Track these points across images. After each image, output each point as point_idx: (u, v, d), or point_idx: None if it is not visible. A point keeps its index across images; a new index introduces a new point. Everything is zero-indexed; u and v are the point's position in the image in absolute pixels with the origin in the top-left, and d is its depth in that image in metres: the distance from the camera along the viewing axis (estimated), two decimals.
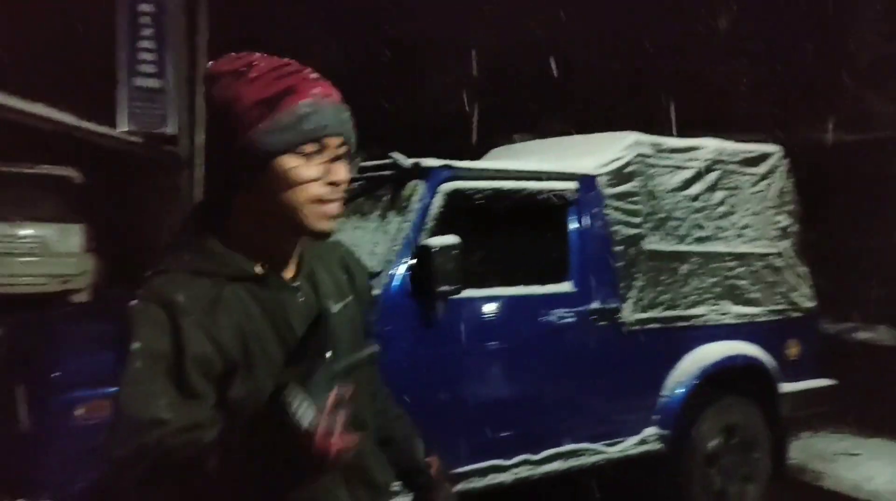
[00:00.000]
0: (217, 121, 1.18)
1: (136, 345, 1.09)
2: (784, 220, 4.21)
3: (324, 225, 1.19)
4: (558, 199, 3.39)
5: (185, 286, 1.14)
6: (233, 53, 1.23)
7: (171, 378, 1.09)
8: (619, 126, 3.84)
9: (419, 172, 3.12)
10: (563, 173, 3.44)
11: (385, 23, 13.63)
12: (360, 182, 3.53)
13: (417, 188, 3.07)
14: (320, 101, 1.17)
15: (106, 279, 10.15)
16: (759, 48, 10.26)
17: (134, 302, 1.13)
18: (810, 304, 4.28)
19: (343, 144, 1.20)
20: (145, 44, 10.08)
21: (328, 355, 1.16)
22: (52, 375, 2.39)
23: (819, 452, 5.23)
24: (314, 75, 1.22)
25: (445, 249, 2.82)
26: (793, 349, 4.20)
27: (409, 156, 3.17)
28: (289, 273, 1.26)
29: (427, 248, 2.85)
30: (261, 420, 0.95)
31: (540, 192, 3.34)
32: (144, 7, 10.01)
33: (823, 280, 4.49)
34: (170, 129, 10.35)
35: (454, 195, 3.10)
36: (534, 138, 5.08)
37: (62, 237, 9.39)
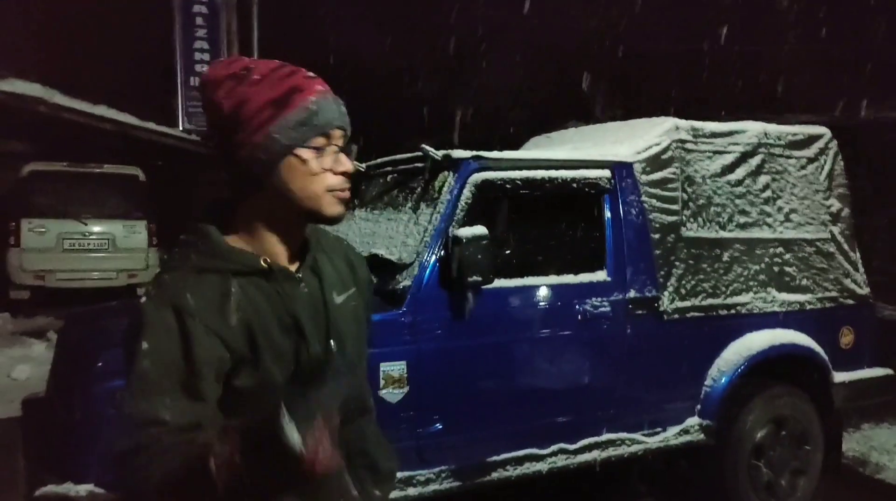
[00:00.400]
0: (223, 124, 1.22)
1: (144, 345, 1.14)
2: (835, 204, 4.07)
3: (338, 210, 1.27)
4: (592, 187, 3.36)
5: (193, 286, 1.18)
6: (223, 59, 1.30)
7: (176, 380, 1.14)
8: (675, 112, 3.76)
9: (449, 164, 3.14)
10: (597, 161, 3.40)
11: (437, 14, 13.66)
12: (393, 175, 3.58)
13: (447, 180, 3.09)
14: (324, 96, 1.24)
15: None
16: (823, 25, 9.90)
17: (143, 300, 1.18)
18: (864, 291, 4.13)
19: (344, 135, 1.27)
20: (199, 44, 10.38)
21: (332, 344, 1.26)
22: (97, 365, 2.51)
23: (881, 444, 5.04)
24: (310, 74, 1.27)
25: (474, 239, 2.84)
26: (846, 338, 4.07)
27: (466, 147, 3.21)
28: (292, 266, 1.31)
29: (457, 238, 2.87)
30: (254, 437, 0.99)
31: (573, 180, 3.31)
32: (198, 8, 10.30)
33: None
34: None
35: (484, 186, 3.10)
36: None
37: (129, 234, 9.78)
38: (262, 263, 1.24)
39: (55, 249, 9.34)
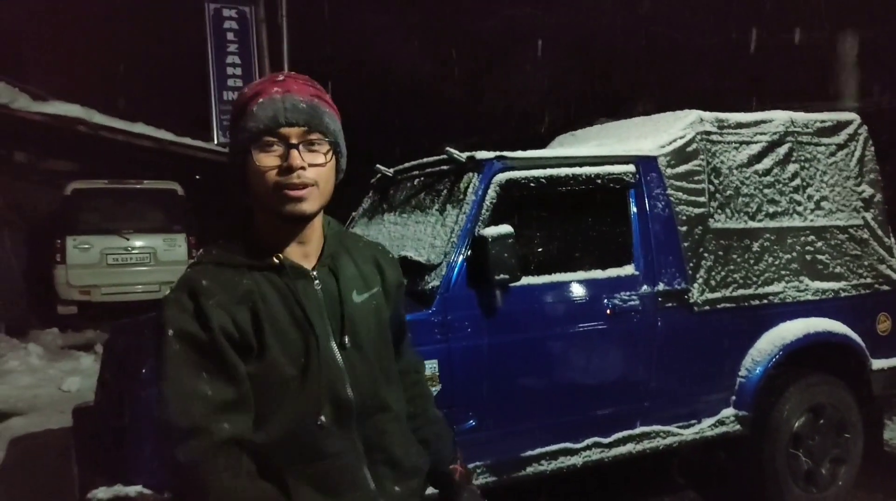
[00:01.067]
0: None
1: (170, 331, 1.22)
2: (867, 190, 4.02)
3: (290, 208, 1.28)
4: (616, 182, 3.38)
5: (210, 275, 1.27)
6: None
7: (205, 355, 1.22)
8: (706, 106, 3.76)
9: (474, 165, 3.20)
10: (621, 156, 3.43)
11: (466, 15, 13.72)
12: (419, 178, 3.65)
13: (472, 180, 3.15)
14: (277, 96, 1.28)
15: None
16: (859, 9, 9.72)
17: (167, 293, 1.27)
18: None
19: (308, 132, 1.29)
20: (231, 59, 10.60)
21: (346, 340, 1.32)
22: (142, 371, 2.62)
23: None
24: (283, 77, 1.33)
25: (500, 238, 2.89)
26: (884, 324, 4.02)
27: (497, 149, 3.26)
28: (309, 263, 1.37)
29: (482, 238, 2.93)
30: None
31: (597, 176, 3.34)
32: (229, 24, 10.52)
33: None
34: None
35: (509, 185, 3.15)
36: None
37: (169, 247, 10.03)
38: (273, 259, 1.32)
39: (99, 264, 9.61)
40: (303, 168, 1.27)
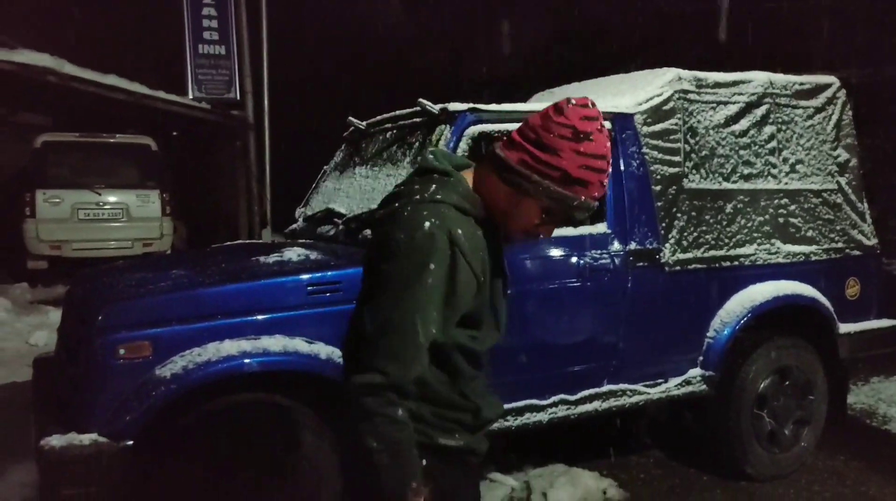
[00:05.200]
0: (542, 142, 1.45)
1: (432, 266, 1.39)
2: (842, 154, 4.01)
3: (512, 241, 1.61)
4: None
5: (460, 223, 1.45)
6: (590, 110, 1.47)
7: (443, 296, 1.42)
8: (695, 68, 3.70)
9: (446, 117, 3.13)
10: None
11: None
12: (392, 131, 3.57)
13: (444, 133, 3.08)
14: (591, 203, 1.51)
15: (185, 241, 10.62)
16: None
17: (430, 223, 1.41)
18: (872, 242, 4.09)
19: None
20: (207, 11, 10.33)
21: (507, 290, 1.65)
22: (98, 319, 2.55)
23: (889, 396, 5.06)
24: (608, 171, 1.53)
25: None
26: (852, 289, 4.04)
27: None
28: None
29: None
30: None
31: None
32: None
33: None
34: (235, 94, 10.63)
35: (481, 138, 3.09)
36: None
37: (142, 203, 9.87)
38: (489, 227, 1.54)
39: (70, 219, 9.44)
40: None
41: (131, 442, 2.45)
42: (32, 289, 9.23)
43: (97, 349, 2.51)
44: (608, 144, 1.46)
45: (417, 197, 1.47)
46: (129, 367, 2.50)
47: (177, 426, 2.53)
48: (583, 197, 1.45)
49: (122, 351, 2.50)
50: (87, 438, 2.43)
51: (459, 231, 1.42)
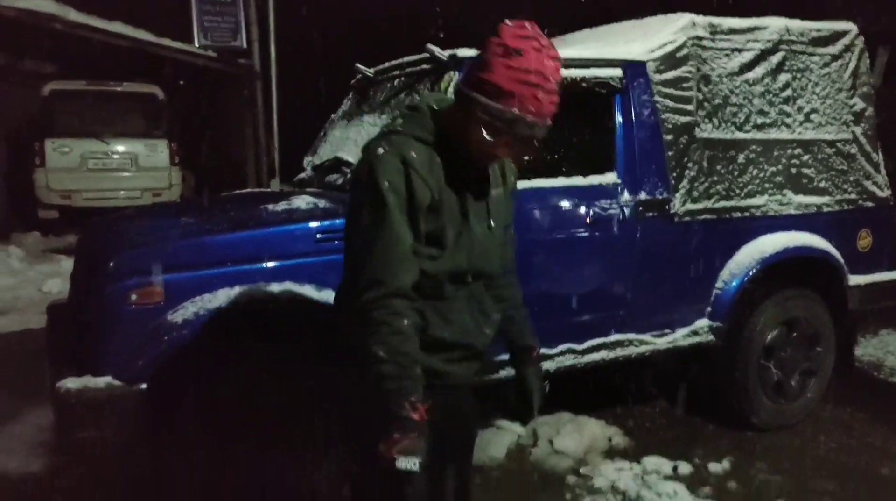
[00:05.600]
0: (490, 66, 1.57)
1: (385, 184, 1.53)
2: (858, 103, 3.94)
3: (484, 165, 1.71)
4: (602, 86, 3.28)
5: (415, 148, 1.58)
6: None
7: (405, 213, 1.55)
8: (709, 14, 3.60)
9: (455, 63, 3.08)
10: (607, 60, 3.31)
11: None
12: (400, 79, 3.52)
13: (453, 80, 3.03)
14: (546, 124, 1.63)
15: (193, 191, 10.63)
16: None
17: (379, 150, 1.57)
18: (885, 193, 4.04)
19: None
20: None
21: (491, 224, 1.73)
22: (109, 265, 2.57)
23: None
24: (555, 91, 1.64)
25: None
26: (864, 240, 4.01)
27: None
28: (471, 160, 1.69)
29: None
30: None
31: (582, 80, 3.23)
32: None
33: None
34: (241, 42, 10.48)
35: None
36: None
37: (150, 153, 9.86)
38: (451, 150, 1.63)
39: (79, 168, 9.46)
40: None
41: (145, 386, 2.49)
42: (44, 238, 9.31)
43: (109, 295, 2.53)
44: (548, 62, 1.54)
45: (383, 130, 1.67)
46: (141, 313, 2.52)
47: (189, 371, 2.56)
48: (516, 110, 1.54)
49: (133, 297, 2.52)
50: (101, 381, 2.47)
51: (413, 153, 1.56)
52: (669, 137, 3.41)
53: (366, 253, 1.55)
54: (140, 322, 2.52)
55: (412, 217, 1.56)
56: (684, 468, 3.34)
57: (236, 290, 2.58)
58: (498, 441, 3.55)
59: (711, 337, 3.60)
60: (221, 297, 2.56)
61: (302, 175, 3.96)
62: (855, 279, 3.95)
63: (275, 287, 2.64)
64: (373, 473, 1.57)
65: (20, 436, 3.60)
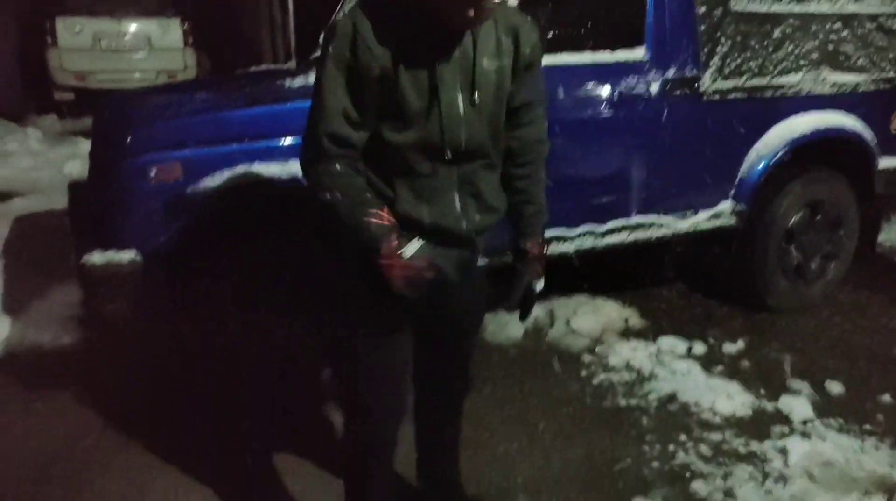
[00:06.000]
0: None
1: (330, 49, 1.54)
2: None
3: (457, 25, 1.56)
4: None
5: (374, 14, 1.52)
6: None
7: (347, 74, 1.54)
8: None
9: None
10: None
11: None
12: None
13: None
14: None
15: (208, 73, 10.43)
16: None
17: (340, 16, 1.57)
18: None
19: None
20: None
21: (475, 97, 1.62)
22: (127, 141, 2.55)
23: None
24: None
25: None
26: None
27: None
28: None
29: None
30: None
31: None
32: None
33: None
34: None
35: None
36: None
37: (164, 32, 9.61)
38: (417, 16, 1.53)
39: (93, 49, 9.26)
40: None
41: (167, 261, 2.52)
42: (61, 120, 9.26)
43: (128, 171, 2.53)
44: None
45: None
46: (161, 188, 2.52)
47: (210, 245, 2.58)
48: None
49: (153, 173, 2.51)
50: (126, 255, 2.50)
51: (367, 21, 1.52)
52: (703, 9, 3.24)
53: (309, 116, 1.60)
54: (159, 198, 2.53)
55: (357, 84, 1.54)
56: (699, 347, 3.39)
57: (255, 166, 2.55)
58: (516, 321, 3.61)
59: (734, 220, 3.56)
60: (240, 173, 2.55)
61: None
62: (885, 162, 3.85)
63: (292, 165, 2.62)
64: (360, 336, 1.72)
65: (49, 312, 3.70)
